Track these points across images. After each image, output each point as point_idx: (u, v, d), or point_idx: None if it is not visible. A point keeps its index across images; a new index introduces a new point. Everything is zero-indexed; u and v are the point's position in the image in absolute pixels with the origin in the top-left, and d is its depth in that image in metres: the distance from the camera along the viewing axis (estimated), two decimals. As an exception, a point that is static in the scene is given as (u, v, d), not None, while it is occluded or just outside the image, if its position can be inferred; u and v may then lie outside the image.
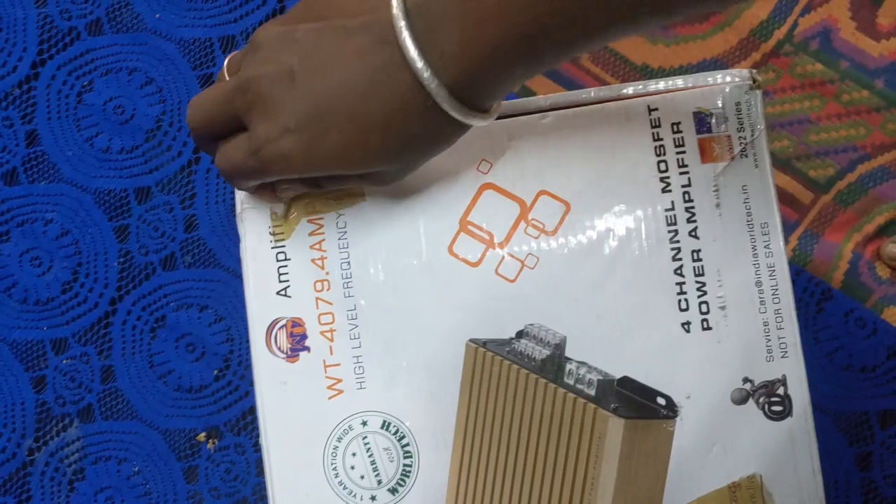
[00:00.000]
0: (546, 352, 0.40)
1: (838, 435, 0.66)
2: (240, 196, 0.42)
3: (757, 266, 0.40)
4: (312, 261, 0.41)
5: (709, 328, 0.40)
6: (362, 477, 0.41)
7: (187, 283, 0.68)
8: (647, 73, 0.76)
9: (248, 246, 0.42)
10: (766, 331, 0.40)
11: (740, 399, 0.40)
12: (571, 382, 0.40)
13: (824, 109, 0.74)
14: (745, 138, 0.40)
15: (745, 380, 0.40)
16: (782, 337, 0.40)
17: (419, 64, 0.33)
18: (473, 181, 0.41)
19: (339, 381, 0.41)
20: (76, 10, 0.71)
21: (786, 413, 0.40)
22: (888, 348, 0.67)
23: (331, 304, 0.41)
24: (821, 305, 0.69)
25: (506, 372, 0.40)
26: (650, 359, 0.40)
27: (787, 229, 0.72)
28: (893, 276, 0.70)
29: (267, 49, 0.36)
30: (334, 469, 0.41)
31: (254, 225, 0.42)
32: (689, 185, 0.40)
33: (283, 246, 0.42)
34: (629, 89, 0.41)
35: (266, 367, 0.41)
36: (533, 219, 0.41)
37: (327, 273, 0.41)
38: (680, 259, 0.40)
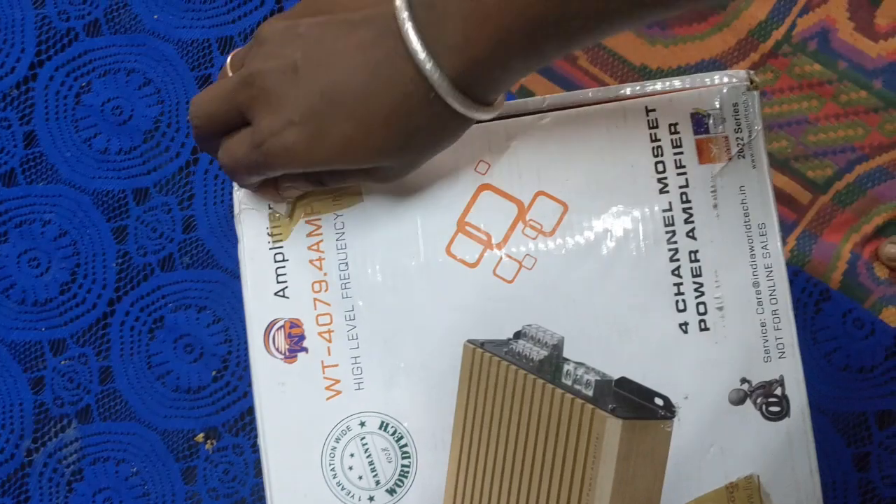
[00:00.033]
0: (544, 352, 0.40)
1: (836, 435, 0.66)
2: (238, 197, 0.42)
3: (754, 267, 0.40)
4: (310, 261, 0.41)
5: (706, 329, 0.40)
6: (360, 477, 0.41)
7: (185, 284, 0.68)
8: (646, 73, 0.76)
9: (246, 247, 0.42)
10: (764, 331, 0.40)
11: (738, 400, 0.40)
12: (569, 383, 0.40)
13: (822, 110, 0.74)
14: (742, 139, 0.40)
15: (743, 380, 0.40)
16: (780, 337, 0.40)
17: (421, 55, 0.33)
18: (471, 182, 0.41)
19: (338, 381, 0.41)
20: (74, 11, 0.71)
21: (783, 413, 0.40)
22: (886, 349, 0.68)
23: (329, 304, 0.41)
24: (819, 306, 0.69)
25: (504, 373, 0.40)
26: (648, 359, 0.40)
27: (786, 230, 0.72)
28: (892, 277, 0.70)
29: (271, 44, 0.37)
30: (332, 470, 0.41)
31: (252, 226, 0.42)
32: (686, 185, 0.40)
33: (281, 247, 0.42)
34: (627, 90, 0.41)
35: (264, 367, 0.41)
36: (531, 219, 0.41)
37: (325, 274, 0.41)
38: (677, 260, 0.40)
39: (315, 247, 0.41)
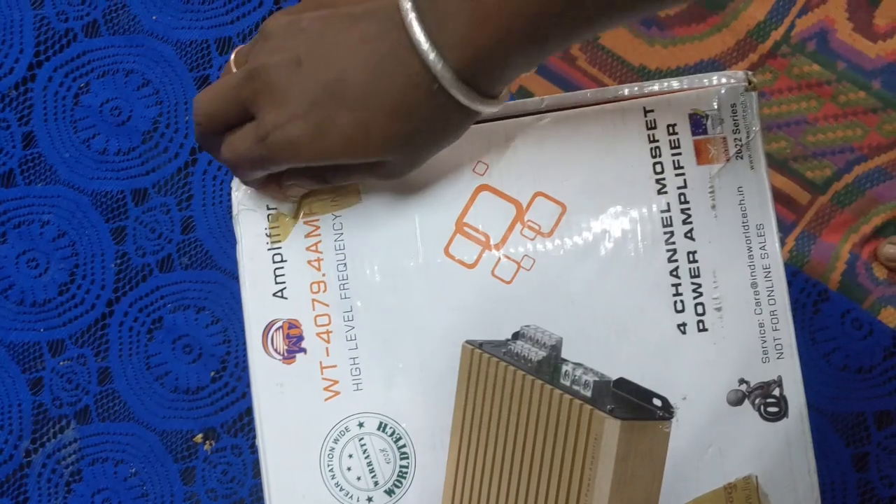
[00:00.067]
0: (542, 353, 0.40)
1: (835, 436, 0.66)
2: (236, 197, 0.42)
3: (752, 267, 0.40)
4: (309, 262, 0.41)
5: (704, 329, 0.40)
6: (359, 478, 0.41)
7: (184, 285, 0.68)
8: (645, 74, 0.76)
9: (244, 247, 0.42)
10: (762, 332, 0.40)
11: (736, 400, 0.40)
12: (567, 384, 0.40)
13: (821, 110, 0.74)
14: (740, 140, 0.40)
15: (741, 381, 0.40)
16: (778, 338, 0.40)
17: (425, 46, 0.33)
18: (470, 182, 0.41)
19: (336, 382, 0.41)
20: (73, 12, 0.71)
21: (781, 414, 0.40)
22: (884, 349, 0.68)
23: (327, 305, 0.41)
24: (817, 307, 0.69)
25: (502, 373, 0.40)
26: (646, 360, 0.40)
27: (785, 230, 0.72)
28: (891, 277, 0.70)
29: (275, 38, 0.37)
30: (331, 470, 0.41)
31: (250, 226, 0.42)
32: (684, 186, 0.40)
33: (280, 247, 0.42)
34: (625, 91, 0.41)
35: (263, 368, 0.41)
36: (529, 220, 0.41)
37: (324, 274, 0.41)
38: (676, 260, 0.40)
39: (313, 247, 0.41)
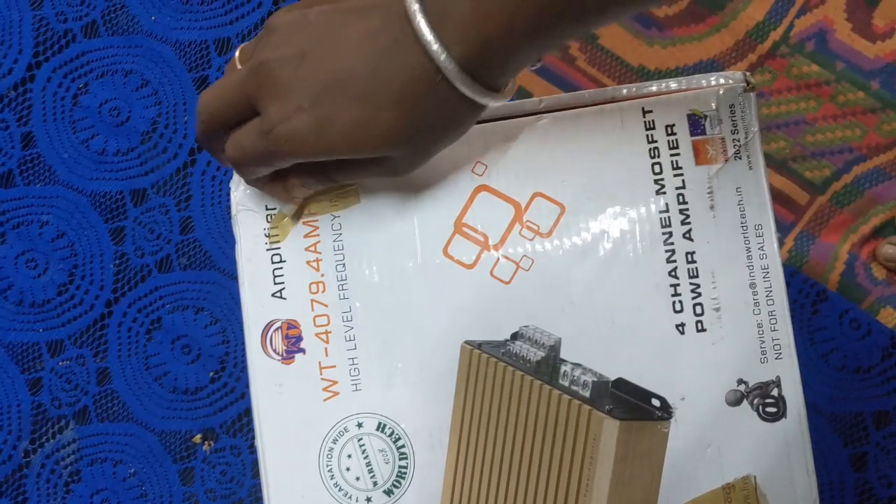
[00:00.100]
0: (541, 353, 0.40)
1: (833, 436, 0.66)
2: (235, 198, 0.42)
3: (751, 268, 0.40)
4: (307, 263, 0.41)
5: (703, 330, 0.40)
6: (358, 479, 0.41)
7: (183, 286, 0.68)
8: (644, 74, 0.76)
9: (243, 248, 0.42)
10: (761, 332, 0.40)
11: (735, 400, 0.40)
12: (566, 384, 0.40)
13: (820, 111, 0.74)
14: (739, 140, 0.40)
15: (740, 381, 0.40)
16: (776, 338, 0.40)
17: (428, 37, 0.33)
18: (468, 183, 0.41)
19: (335, 382, 0.41)
20: (72, 13, 0.71)
21: (780, 414, 0.40)
22: (883, 349, 0.68)
23: (326, 305, 0.41)
24: (816, 307, 0.69)
25: (501, 374, 0.40)
26: (645, 360, 0.40)
27: (784, 230, 0.72)
28: (889, 277, 0.70)
29: (279, 33, 0.37)
30: (330, 471, 0.41)
31: (249, 227, 0.42)
32: (683, 187, 0.40)
33: (279, 248, 0.42)
34: (624, 91, 0.41)
35: (261, 368, 0.41)
36: (528, 220, 0.41)
37: (322, 275, 0.41)
38: (674, 261, 0.40)
39: (312, 248, 0.41)
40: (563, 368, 0.40)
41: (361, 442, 0.41)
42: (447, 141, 0.37)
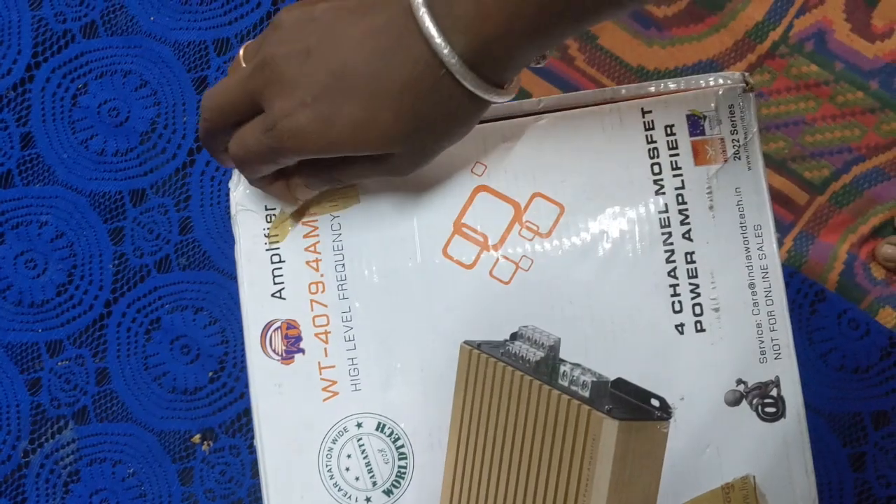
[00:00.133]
0: (540, 353, 0.40)
1: (832, 436, 0.66)
2: (235, 198, 0.42)
3: (750, 268, 0.40)
4: (307, 263, 0.41)
5: (702, 330, 0.40)
6: (357, 478, 0.41)
7: (182, 286, 0.68)
8: (643, 74, 0.76)
9: (242, 248, 0.42)
10: (760, 332, 0.40)
11: (734, 400, 0.40)
12: (565, 384, 0.40)
13: (819, 111, 0.74)
14: (738, 141, 0.40)
15: (739, 381, 0.40)
16: (775, 339, 0.40)
17: (432, 31, 0.33)
18: (468, 183, 0.41)
19: (334, 382, 0.41)
20: (71, 13, 0.71)
21: (779, 414, 0.40)
22: (881, 349, 0.68)
23: (325, 305, 0.41)
24: (814, 307, 0.69)
25: (500, 374, 0.40)
26: (644, 360, 0.40)
27: (783, 230, 0.72)
28: (889, 277, 0.70)
29: (285, 30, 0.37)
30: (329, 471, 0.41)
31: (249, 227, 0.42)
32: (682, 187, 0.40)
33: (278, 248, 0.42)
34: (623, 91, 0.41)
35: (261, 369, 0.41)
36: (527, 221, 0.41)
37: (322, 275, 0.41)
38: (673, 261, 0.40)
39: (312, 248, 0.41)
40: (562, 368, 0.40)
41: (361, 442, 0.41)
42: (450, 140, 0.37)
